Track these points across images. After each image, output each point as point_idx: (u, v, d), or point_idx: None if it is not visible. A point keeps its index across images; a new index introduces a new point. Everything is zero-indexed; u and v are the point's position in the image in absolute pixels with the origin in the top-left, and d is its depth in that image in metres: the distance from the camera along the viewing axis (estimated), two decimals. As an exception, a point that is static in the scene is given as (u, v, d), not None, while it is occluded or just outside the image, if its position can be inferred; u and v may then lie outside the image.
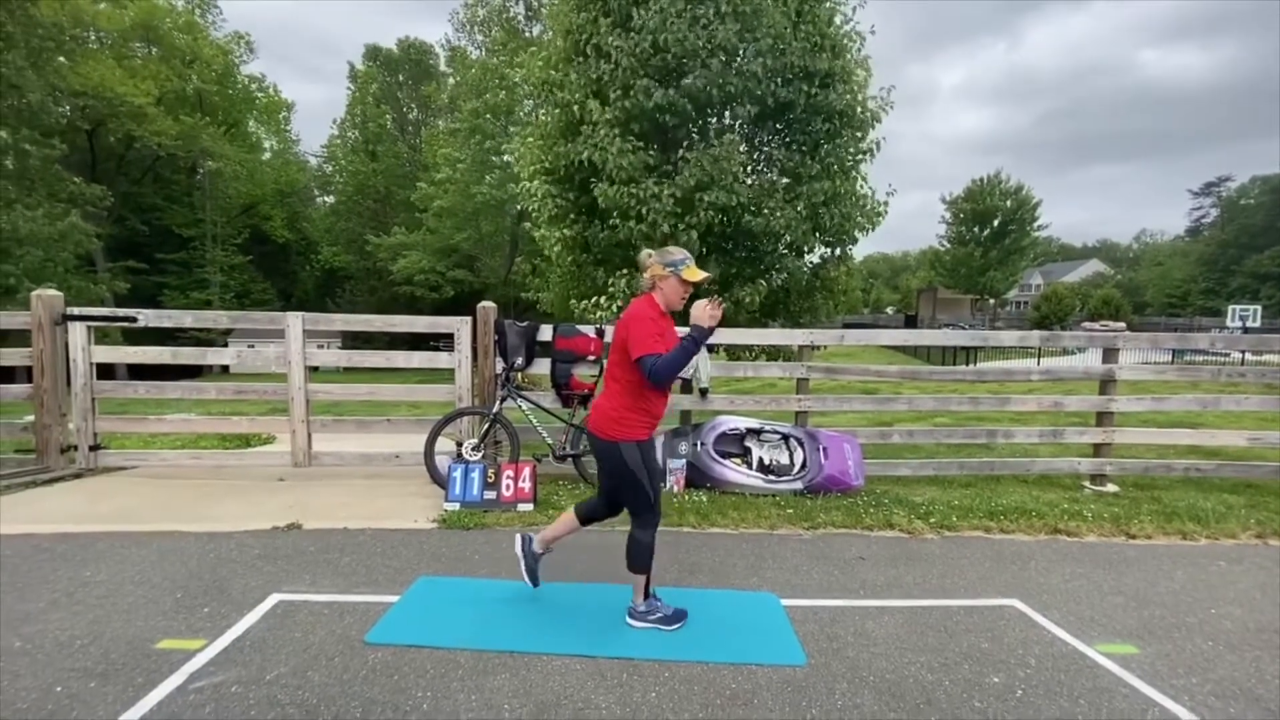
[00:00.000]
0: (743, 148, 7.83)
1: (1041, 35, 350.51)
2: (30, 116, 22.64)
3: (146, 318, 5.50)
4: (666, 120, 7.72)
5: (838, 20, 8.11)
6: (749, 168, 7.99)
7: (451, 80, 41.66)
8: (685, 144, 7.99)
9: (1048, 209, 45.07)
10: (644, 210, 7.39)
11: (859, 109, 8.03)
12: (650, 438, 2.87)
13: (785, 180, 7.77)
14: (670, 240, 7.37)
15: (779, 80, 7.51)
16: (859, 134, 8.19)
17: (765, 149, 8.57)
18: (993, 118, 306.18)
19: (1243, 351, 17.76)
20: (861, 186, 8.35)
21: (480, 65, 35.24)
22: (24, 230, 20.11)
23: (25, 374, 5.28)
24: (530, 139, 9.15)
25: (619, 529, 4.23)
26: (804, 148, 8.13)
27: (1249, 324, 28.11)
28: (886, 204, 8.45)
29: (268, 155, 42.21)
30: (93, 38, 30.16)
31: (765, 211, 7.50)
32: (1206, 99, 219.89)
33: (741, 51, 7.46)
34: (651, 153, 7.65)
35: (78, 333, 5.19)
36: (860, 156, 8.34)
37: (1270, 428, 6.25)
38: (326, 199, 46.84)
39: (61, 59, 24.38)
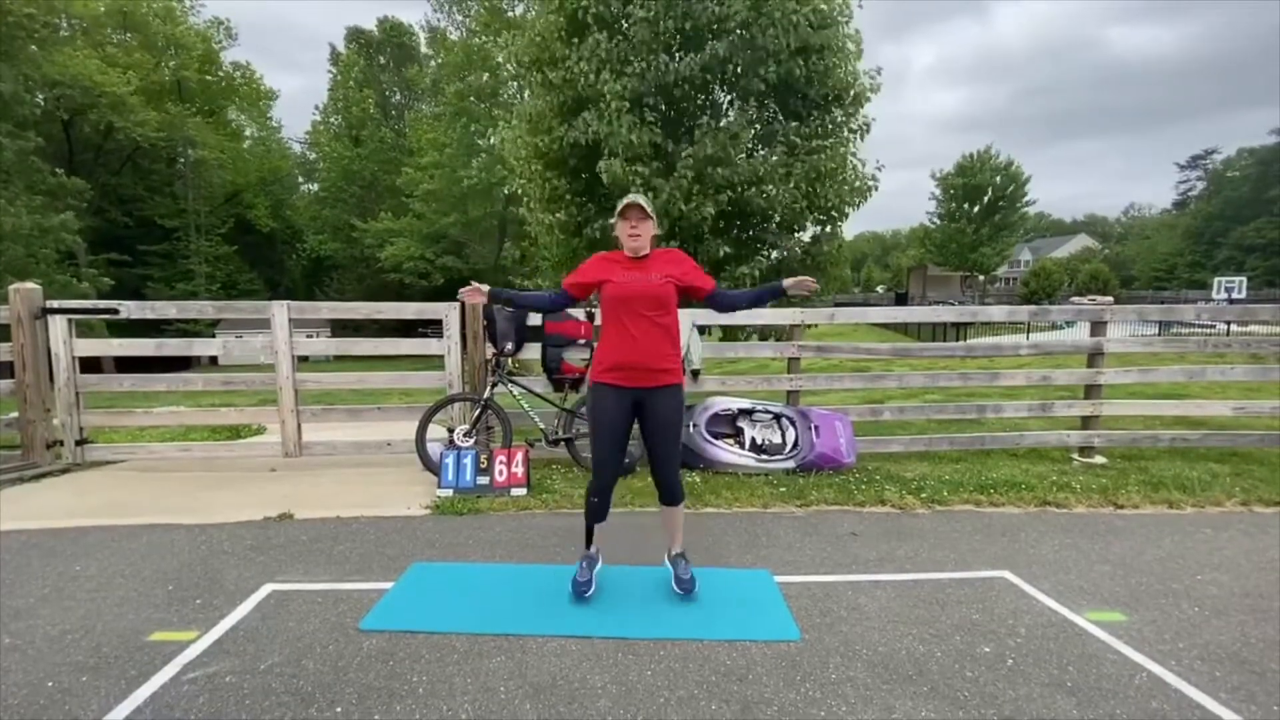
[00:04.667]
0: (747, 121, 7.77)
1: (1011, 13, 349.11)
2: (3, 108, 22.10)
3: (129, 309, 5.40)
4: (682, 90, 7.59)
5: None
6: (751, 145, 7.92)
7: (434, 63, 40.99)
8: (698, 122, 7.88)
9: (1031, 184, 45.10)
10: (648, 189, 7.31)
11: (852, 85, 7.98)
12: (608, 385, 2.83)
13: (785, 156, 7.71)
14: (682, 221, 7.33)
15: (784, 56, 7.43)
16: (850, 110, 8.15)
17: (761, 126, 8.51)
18: (969, 96, 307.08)
19: (1228, 322, 17.92)
20: (852, 160, 8.32)
21: (462, 46, 34.68)
22: (6, 226, 19.73)
23: (8, 370, 5.21)
24: (518, 124, 9.00)
25: (614, 511, 4.24)
26: (802, 123, 8.08)
27: (1234, 295, 28.35)
28: (876, 178, 8.43)
29: (248, 144, 41.48)
30: (65, 25, 29.38)
31: (768, 188, 7.46)
32: (1192, 72, 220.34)
33: (753, 24, 7.35)
34: (660, 130, 7.55)
35: (58, 326, 5.11)
36: (850, 134, 8.30)
37: (1255, 397, 6.32)
38: (311, 186, 46.20)
39: (34, 48, 23.76)
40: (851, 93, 8.01)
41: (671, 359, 2.86)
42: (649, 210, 2.82)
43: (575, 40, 7.87)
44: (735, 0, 7.07)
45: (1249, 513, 4.33)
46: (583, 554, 3.07)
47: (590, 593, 2.94)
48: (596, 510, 2.98)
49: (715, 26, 7.27)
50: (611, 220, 2.91)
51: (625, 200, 2.81)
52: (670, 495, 2.98)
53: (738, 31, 7.22)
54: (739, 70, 7.46)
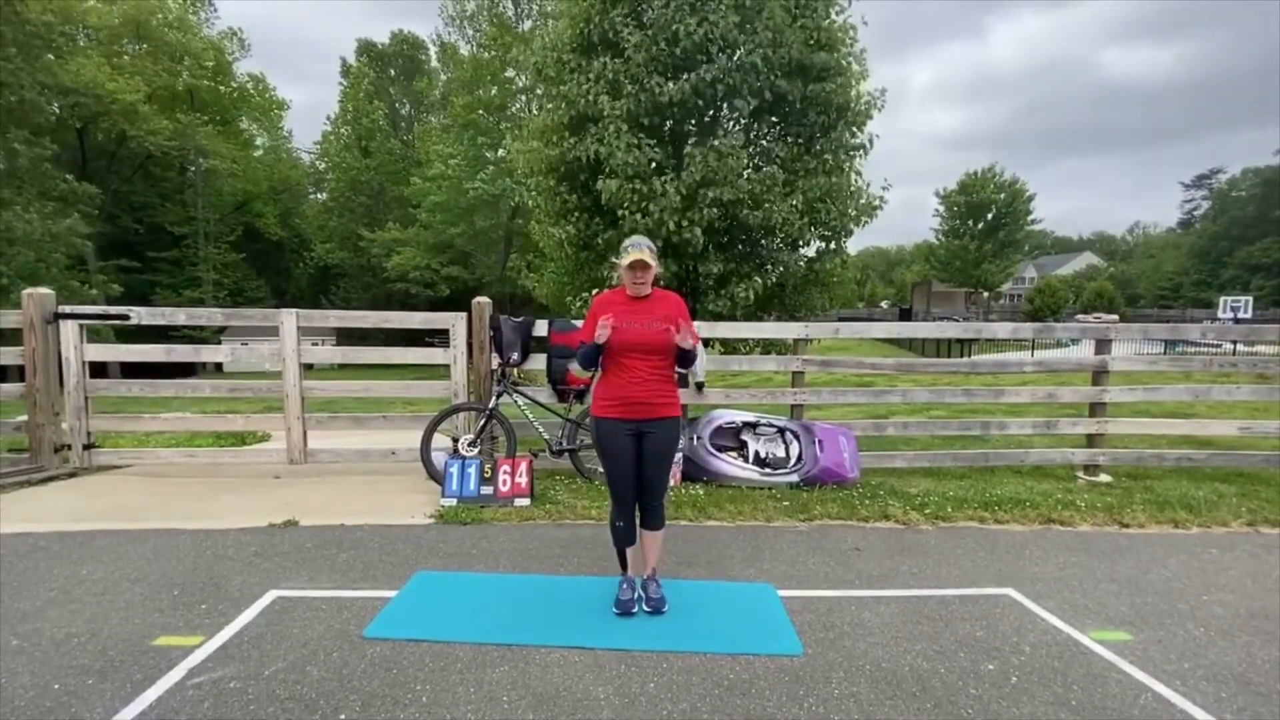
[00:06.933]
0: (741, 142, 7.81)
1: (1007, 33, 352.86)
2: (21, 115, 22.41)
3: (139, 315, 5.47)
4: (674, 113, 7.70)
5: (833, 13, 8.07)
6: (748, 163, 7.97)
7: (443, 76, 41.47)
8: (692, 140, 7.96)
9: (1036, 201, 45.25)
10: (648, 205, 7.39)
11: (853, 104, 8.02)
12: (610, 419, 2.91)
13: (783, 175, 7.75)
14: (674, 236, 7.38)
15: (777, 74, 7.49)
16: (853, 128, 8.18)
17: (762, 143, 8.55)
18: (968, 113, 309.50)
19: (1234, 342, 17.86)
20: (856, 180, 8.35)
21: (472, 61, 35.09)
22: (19, 231, 19.93)
23: (18, 374, 5.26)
24: (533, 139, 9.06)
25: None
26: (800, 141, 8.13)
27: (1240, 315, 28.28)
28: (883, 198, 8.45)
29: (259, 153, 41.91)
30: (81, 35, 29.83)
31: (765, 205, 7.50)
32: (1191, 91, 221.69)
33: (741, 45, 7.44)
34: (657, 149, 7.63)
35: (69, 331, 5.16)
36: (854, 152, 8.34)
37: (1261, 417, 6.30)
38: (319, 195, 46.59)
39: (50, 56, 24.12)
40: (852, 111, 8.05)
41: (669, 395, 2.97)
42: (652, 260, 2.89)
43: (582, 62, 7.98)
44: (720, 22, 7.17)
45: (1255, 533, 4.31)
46: (621, 576, 3.12)
47: (636, 610, 2.98)
48: (623, 534, 3.04)
49: (707, 48, 7.37)
50: (614, 260, 3.01)
51: (630, 255, 2.87)
52: (652, 520, 3.05)
53: (724, 54, 7.33)
54: (731, 89, 7.54)
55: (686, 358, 3.02)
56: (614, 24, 7.62)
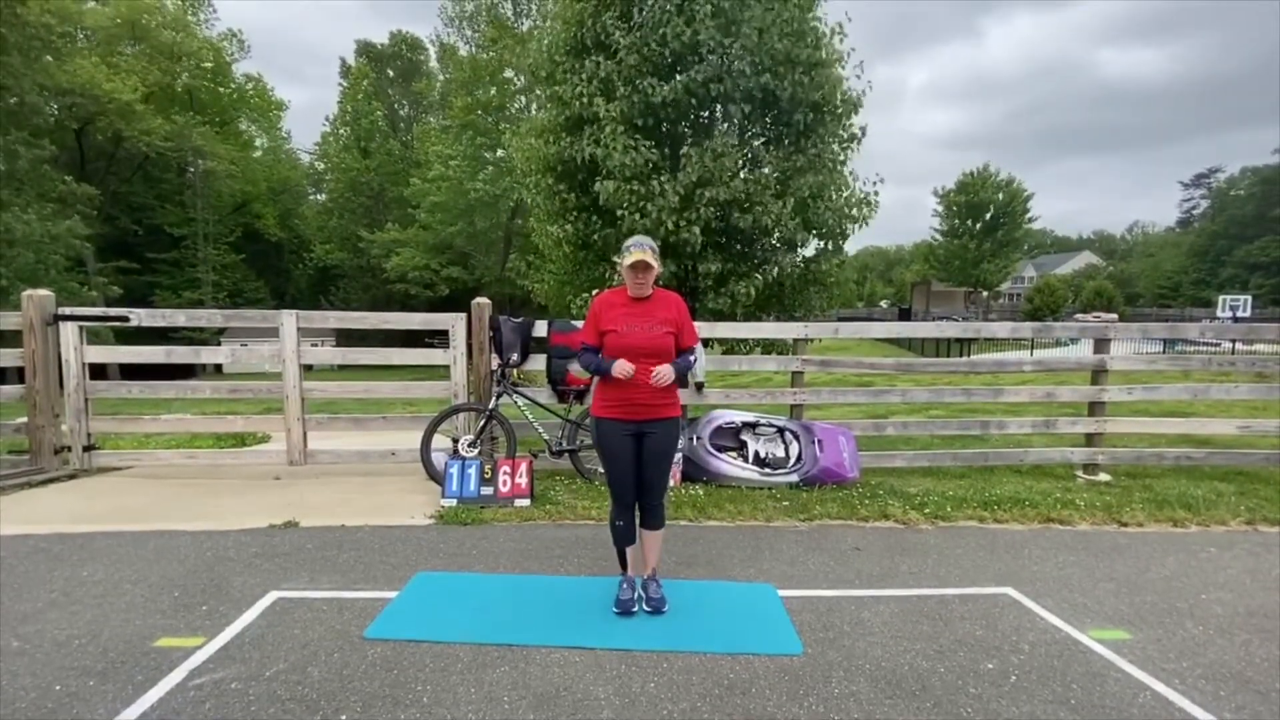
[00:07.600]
0: (734, 143, 7.83)
1: (1002, 35, 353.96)
2: (21, 117, 22.42)
3: (139, 317, 5.47)
4: (669, 114, 7.73)
5: (817, 10, 8.08)
6: (742, 163, 7.99)
7: (443, 77, 41.51)
8: (689, 141, 7.99)
9: (1034, 201, 45.30)
10: (646, 205, 7.41)
11: (839, 99, 8.04)
12: (610, 419, 2.93)
13: (775, 175, 7.77)
14: (672, 236, 7.39)
15: (768, 73, 7.51)
16: (843, 122, 8.20)
17: (754, 144, 8.57)
18: (965, 114, 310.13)
19: (1233, 341, 17.89)
20: (850, 180, 8.35)
21: (470, 61, 35.11)
22: (18, 232, 19.92)
23: (18, 375, 5.26)
24: (531, 138, 9.08)
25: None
26: (790, 140, 8.13)
27: (1239, 314, 28.32)
28: (876, 195, 8.44)
29: (258, 154, 41.90)
30: (80, 36, 29.83)
31: (756, 208, 7.52)
32: (1188, 91, 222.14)
33: (727, 47, 7.47)
34: (654, 150, 7.65)
35: (69, 333, 5.16)
36: (844, 147, 8.35)
37: (1260, 415, 6.31)
38: (319, 196, 46.59)
39: (49, 58, 24.11)
40: (837, 105, 8.04)
41: (668, 396, 2.97)
42: (654, 261, 2.90)
43: (576, 64, 8.01)
44: (704, 28, 7.19)
45: (1254, 532, 4.32)
46: (621, 576, 3.13)
47: (636, 610, 2.99)
48: (623, 533, 3.06)
49: (697, 49, 7.40)
50: (615, 260, 2.99)
51: (633, 255, 2.87)
52: (652, 520, 3.06)
53: (714, 55, 7.36)
54: (724, 94, 7.56)
55: (684, 356, 3.03)
56: (605, 27, 7.66)
